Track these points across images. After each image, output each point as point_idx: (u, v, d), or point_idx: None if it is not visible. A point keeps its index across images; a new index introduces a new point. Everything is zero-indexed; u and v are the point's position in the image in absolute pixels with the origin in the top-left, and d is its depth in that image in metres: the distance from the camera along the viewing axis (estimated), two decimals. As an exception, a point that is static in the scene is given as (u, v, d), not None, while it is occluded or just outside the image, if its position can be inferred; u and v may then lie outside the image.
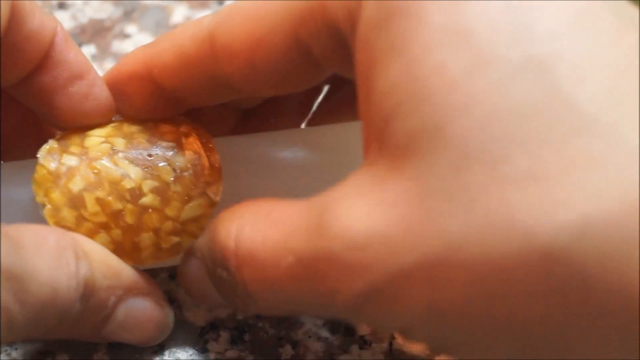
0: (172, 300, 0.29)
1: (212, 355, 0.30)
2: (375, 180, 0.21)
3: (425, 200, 0.19)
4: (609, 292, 0.18)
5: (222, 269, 0.24)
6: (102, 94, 0.28)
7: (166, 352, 0.30)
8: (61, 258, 0.24)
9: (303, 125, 0.33)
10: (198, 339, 0.30)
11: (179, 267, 0.28)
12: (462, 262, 0.19)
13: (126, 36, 0.41)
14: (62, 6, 0.43)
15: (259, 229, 0.23)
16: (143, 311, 0.27)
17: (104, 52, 0.41)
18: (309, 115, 0.33)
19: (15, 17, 0.25)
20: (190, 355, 0.30)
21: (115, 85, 0.28)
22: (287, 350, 0.30)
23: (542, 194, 0.18)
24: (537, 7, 0.19)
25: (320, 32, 0.23)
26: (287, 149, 0.30)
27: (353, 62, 0.22)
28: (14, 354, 0.29)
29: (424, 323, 0.20)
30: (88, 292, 0.25)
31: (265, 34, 0.24)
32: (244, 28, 0.25)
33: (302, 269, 0.22)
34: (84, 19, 0.42)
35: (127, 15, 0.42)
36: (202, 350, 0.30)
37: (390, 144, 0.20)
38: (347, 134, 0.30)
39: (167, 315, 0.28)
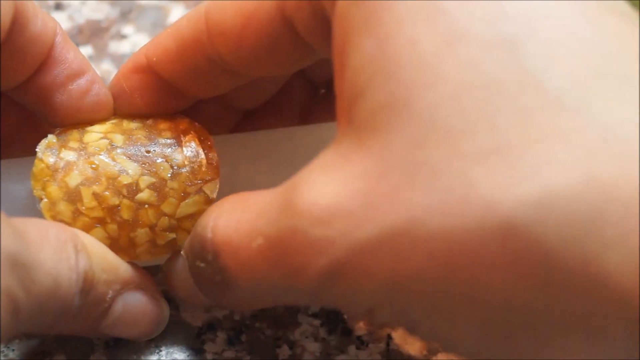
0: (169, 300, 0.29)
1: (209, 356, 0.30)
2: (341, 156, 0.21)
3: (388, 174, 0.19)
4: (570, 271, 0.18)
5: (200, 260, 0.25)
6: (100, 90, 0.28)
7: (163, 353, 0.30)
8: (62, 251, 0.24)
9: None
10: (195, 340, 0.30)
11: (164, 266, 0.28)
12: (423, 235, 0.19)
13: (123, 37, 0.41)
14: (59, 7, 0.43)
15: (234, 216, 0.23)
16: (139, 305, 0.27)
17: (101, 52, 0.41)
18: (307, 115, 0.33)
19: (18, 20, 0.26)
20: (188, 355, 0.30)
21: (118, 83, 0.28)
22: (284, 351, 0.30)
23: (503, 168, 0.18)
24: None
25: (303, 8, 0.24)
26: (284, 146, 0.30)
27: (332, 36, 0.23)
28: (12, 354, 0.29)
29: (387, 298, 0.20)
30: (87, 286, 0.25)
31: (254, 11, 0.25)
32: (234, 6, 0.25)
33: (271, 249, 0.22)
34: (81, 19, 0.42)
35: (124, 16, 0.42)
36: (199, 350, 0.30)
37: (358, 119, 0.21)
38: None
39: (163, 309, 0.28)
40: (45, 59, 0.27)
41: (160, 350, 0.30)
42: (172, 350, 0.30)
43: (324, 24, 0.23)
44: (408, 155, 0.19)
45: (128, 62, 0.29)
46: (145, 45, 0.28)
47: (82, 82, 0.28)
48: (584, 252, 0.17)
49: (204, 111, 0.31)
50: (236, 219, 0.23)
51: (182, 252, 0.27)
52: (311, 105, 0.33)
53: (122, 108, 0.29)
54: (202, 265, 0.24)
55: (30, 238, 0.23)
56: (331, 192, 0.20)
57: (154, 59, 0.27)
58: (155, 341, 0.30)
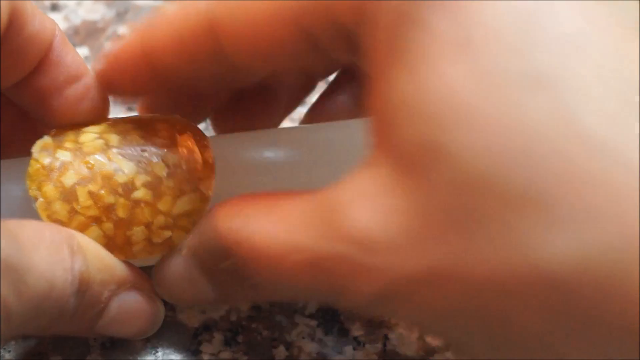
0: (166, 301, 0.29)
1: (205, 357, 0.30)
2: (382, 185, 0.21)
3: (432, 215, 0.20)
4: (606, 323, 0.18)
5: (226, 263, 0.25)
6: (98, 96, 0.28)
7: (160, 354, 0.30)
8: (57, 253, 0.24)
9: (296, 122, 0.33)
10: (191, 341, 0.30)
11: (156, 268, 0.28)
12: (465, 278, 0.20)
13: (119, 37, 0.41)
14: (55, 7, 0.43)
15: (264, 224, 0.23)
16: (135, 304, 0.27)
17: (97, 53, 0.41)
18: (306, 114, 0.34)
19: (16, 19, 0.26)
20: (184, 356, 0.30)
21: (109, 71, 0.28)
22: (281, 351, 0.30)
23: (543, 220, 0.18)
24: (543, 14, 0.19)
25: (324, 24, 0.24)
26: (280, 146, 0.30)
27: (359, 51, 0.23)
28: (8, 355, 0.29)
29: (432, 322, 0.21)
30: (83, 287, 0.25)
31: (269, 19, 0.24)
32: (247, 10, 0.25)
33: (312, 267, 0.22)
34: (77, 20, 0.42)
35: (120, 17, 0.42)
36: (196, 351, 0.30)
37: (396, 152, 0.21)
38: (341, 133, 0.30)
39: (159, 308, 0.28)
40: (43, 60, 0.27)
41: (157, 352, 0.30)
42: (168, 352, 0.30)
43: (347, 39, 0.23)
44: (450, 199, 0.20)
45: (121, 48, 0.28)
46: (137, 31, 0.27)
47: (79, 86, 0.28)
48: (619, 307, 0.18)
49: (195, 88, 0.30)
50: (267, 229, 0.23)
51: (182, 253, 0.26)
52: (303, 97, 0.33)
53: (114, 93, 0.29)
54: (230, 268, 0.25)
55: (25, 240, 0.23)
56: (378, 222, 0.21)
57: (149, 49, 0.27)
58: (152, 342, 0.30)
